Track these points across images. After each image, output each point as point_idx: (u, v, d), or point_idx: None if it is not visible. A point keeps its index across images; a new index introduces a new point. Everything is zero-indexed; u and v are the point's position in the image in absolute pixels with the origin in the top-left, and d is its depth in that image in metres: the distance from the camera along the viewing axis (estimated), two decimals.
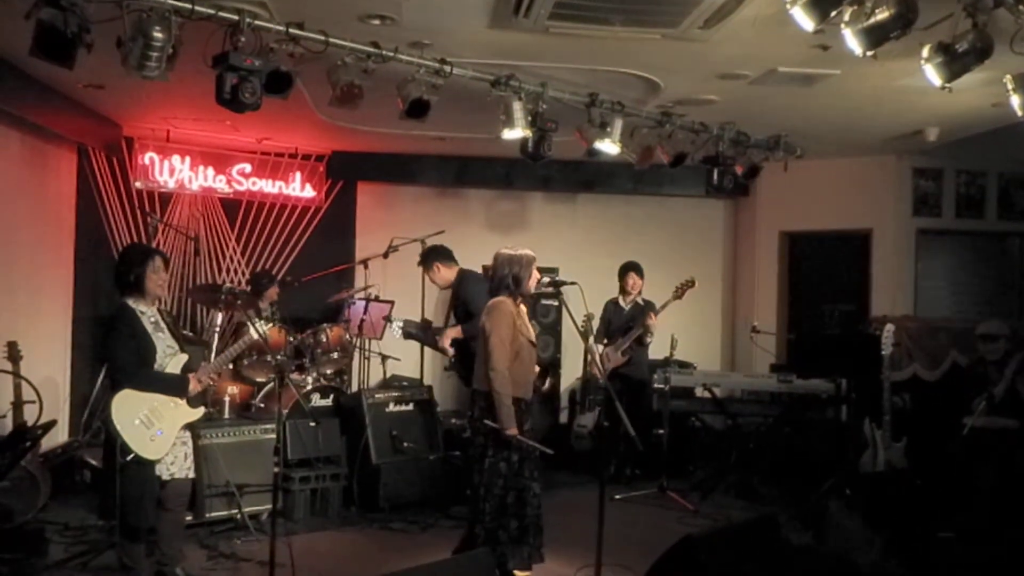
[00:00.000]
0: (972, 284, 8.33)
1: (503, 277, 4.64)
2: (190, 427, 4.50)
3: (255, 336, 4.81)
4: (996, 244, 8.32)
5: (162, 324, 4.47)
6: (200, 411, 4.54)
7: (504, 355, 4.47)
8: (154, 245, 7.40)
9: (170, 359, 4.40)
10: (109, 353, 4.34)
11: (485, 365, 4.51)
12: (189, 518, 5.14)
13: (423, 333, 6.59)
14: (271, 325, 6.61)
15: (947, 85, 3.92)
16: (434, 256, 6.27)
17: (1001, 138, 6.69)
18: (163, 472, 4.35)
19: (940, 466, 5.88)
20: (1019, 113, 4.48)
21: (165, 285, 4.55)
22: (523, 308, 4.73)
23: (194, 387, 4.42)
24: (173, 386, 4.35)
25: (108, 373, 4.53)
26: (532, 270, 4.66)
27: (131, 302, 4.37)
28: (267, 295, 7.27)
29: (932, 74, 3.91)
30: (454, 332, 5.94)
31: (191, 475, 4.54)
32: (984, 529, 5.28)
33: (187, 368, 4.46)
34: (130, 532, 4.33)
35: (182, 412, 4.40)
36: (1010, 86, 4.37)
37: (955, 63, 3.82)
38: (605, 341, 7.22)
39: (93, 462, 6.26)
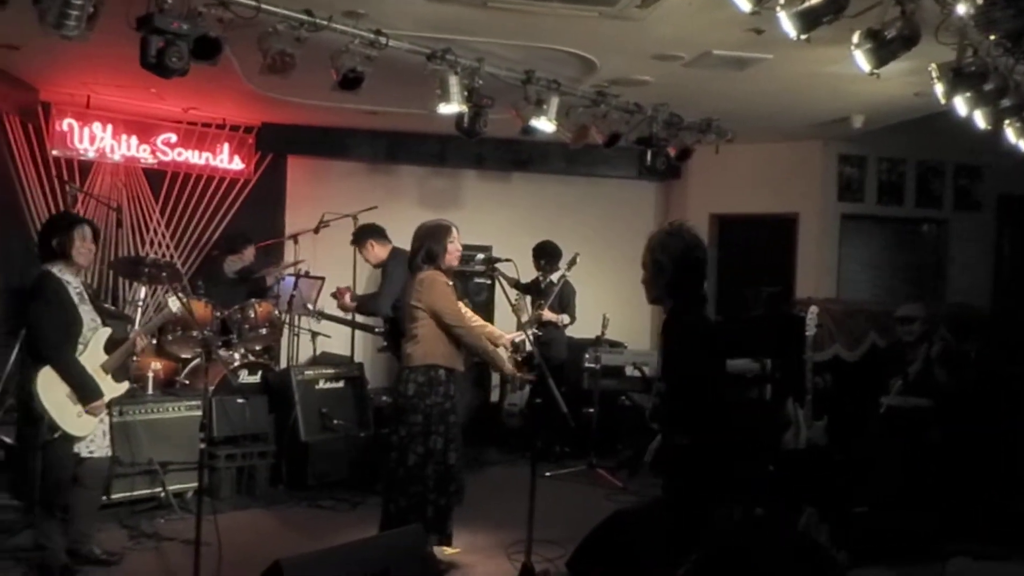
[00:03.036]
0: (890, 268, 8.62)
1: (417, 251, 4.60)
2: (108, 404, 4.34)
3: (177, 309, 4.58)
4: (913, 230, 8.62)
5: (86, 296, 4.30)
6: (125, 386, 4.42)
7: (459, 314, 4.54)
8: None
9: (92, 334, 4.25)
10: (32, 324, 4.12)
11: (420, 341, 4.50)
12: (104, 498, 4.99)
13: None
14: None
15: (875, 71, 4.02)
16: (368, 234, 6.26)
17: (920, 127, 6.92)
18: (82, 450, 4.22)
19: (858, 443, 6.07)
20: (942, 101, 4.62)
21: (92, 255, 4.34)
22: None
23: (140, 346, 4.36)
24: (87, 389, 4.12)
25: (29, 344, 4.23)
26: (447, 243, 4.59)
27: (55, 270, 4.16)
28: (245, 255, 7.16)
29: (861, 60, 4.01)
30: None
31: (108, 453, 4.42)
32: (894, 502, 5.48)
33: (111, 342, 4.30)
34: (46, 509, 4.19)
35: (107, 387, 4.26)
36: (934, 75, 4.50)
37: (883, 50, 3.92)
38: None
39: (7, 440, 6.01)
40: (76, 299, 4.20)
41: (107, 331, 4.32)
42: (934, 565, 4.67)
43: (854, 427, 6.21)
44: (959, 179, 8.51)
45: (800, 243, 8.37)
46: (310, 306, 6.99)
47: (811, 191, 8.28)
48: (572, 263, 7.17)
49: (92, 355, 4.25)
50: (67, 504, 4.25)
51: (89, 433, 4.19)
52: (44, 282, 4.12)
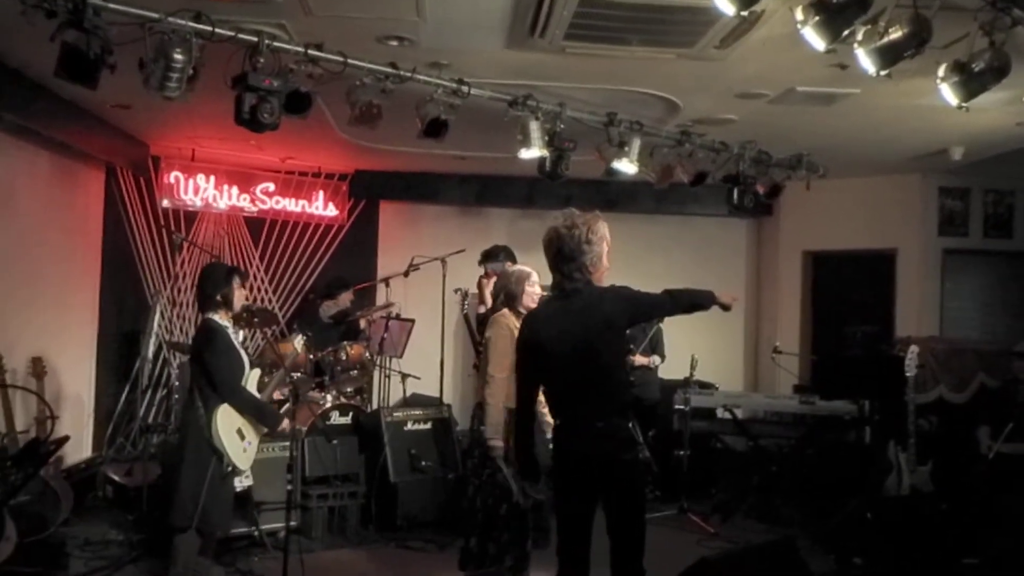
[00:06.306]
0: (1000, 304, 8.19)
1: (497, 293, 4.89)
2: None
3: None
4: None
5: (237, 340, 4.64)
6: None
7: (499, 364, 4.56)
8: (177, 263, 7.54)
9: (246, 375, 4.53)
10: (211, 368, 4.36)
11: (483, 375, 4.66)
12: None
13: None
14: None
15: (964, 104, 3.87)
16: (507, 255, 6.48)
17: None
18: (238, 484, 4.52)
19: (966, 491, 5.76)
20: None
21: (244, 299, 4.70)
22: None
23: (286, 426, 4.62)
24: (269, 416, 4.50)
25: (204, 386, 4.40)
26: (524, 286, 4.77)
27: (217, 318, 4.47)
28: (340, 300, 7.43)
29: (948, 93, 3.87)
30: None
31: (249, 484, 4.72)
32: (1010, 556, 5.16)
33: (261, 384, 4.64)
34: (206, 543, 4.46)
35: (256, 427, 4.57)
36: None
37: (972, 82, 3.77)
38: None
39: (116, 478, 6.32)
40: (236, 343, 4.55)
41: (256, 372, 4.63)
42: None
43: (962, 472, 5.90)
44: None
45: (899, 280, 8.07)
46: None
47: (910, 226, 7.99)
48: None
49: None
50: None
51: (248, 467, 4.49)
52: (213, 329, 4.44)
